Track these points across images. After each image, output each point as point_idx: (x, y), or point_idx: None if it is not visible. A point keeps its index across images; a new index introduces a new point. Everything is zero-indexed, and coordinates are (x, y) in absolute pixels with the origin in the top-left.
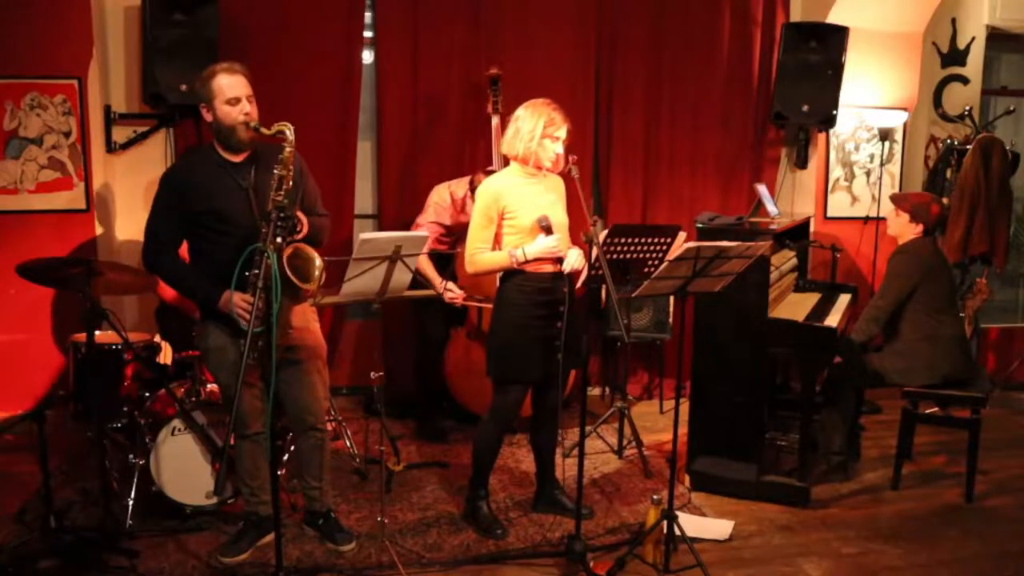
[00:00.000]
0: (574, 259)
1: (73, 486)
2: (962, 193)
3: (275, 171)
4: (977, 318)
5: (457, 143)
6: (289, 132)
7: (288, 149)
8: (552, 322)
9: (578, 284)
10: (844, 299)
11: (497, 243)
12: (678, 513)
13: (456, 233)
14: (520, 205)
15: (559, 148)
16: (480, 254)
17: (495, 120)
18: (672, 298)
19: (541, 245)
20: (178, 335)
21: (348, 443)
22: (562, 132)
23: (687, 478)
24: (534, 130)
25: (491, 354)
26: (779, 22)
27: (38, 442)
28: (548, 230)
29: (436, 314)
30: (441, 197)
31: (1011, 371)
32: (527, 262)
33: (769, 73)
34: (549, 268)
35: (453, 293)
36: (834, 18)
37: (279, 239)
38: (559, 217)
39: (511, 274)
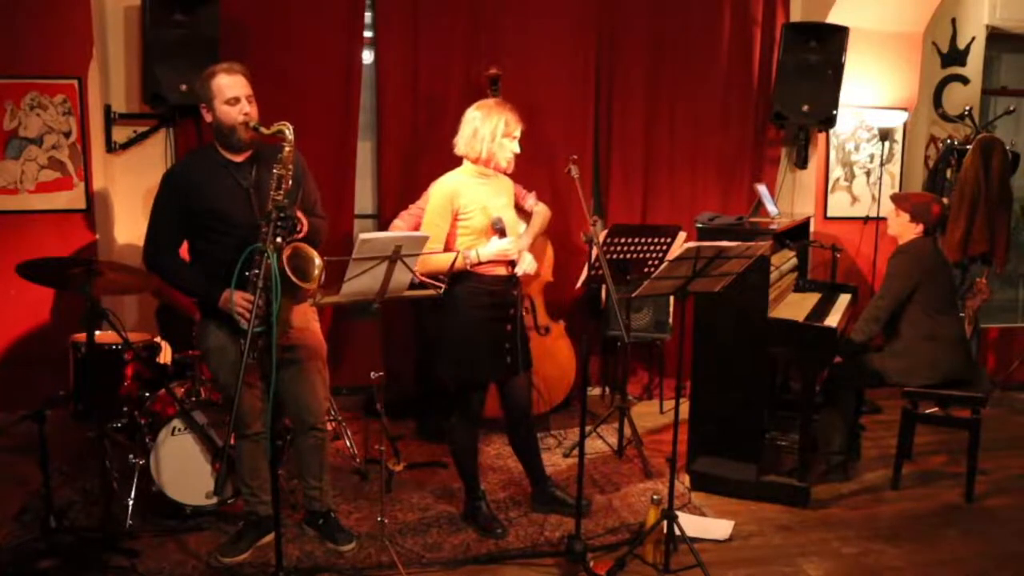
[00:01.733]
0: (527, 263)
1: (73, 486)
2: (962, 193)
3: (274, 170)
4: (977, 318)
5: None
6: (288, 131)
7: (287, 148)
8: (502, 325)
9: (582, 283)
10: (844, 299)
11: (449, 243)
12: (678, 513)
13: None
14: (474, 205)
15: (516, 148)
16: (432, 254)
17: None
18: (672, 298)
19: (495, 247)
20: (178, 335)
21: (348, 443)
22: (519, 132)
23: (687, 478)
24: (495, 130)
25: (441, 356)
26: (779, 22)
27: (38, 442)
28: (502, 232)
29: (436, 314)
30: None
31: (1011, 371)
32: (480, 264)
33: (769, 73)
34: (501, 271)
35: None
36: (834, 18)
37: (278, 239)
38: (511, 219)
39: (461, 276)
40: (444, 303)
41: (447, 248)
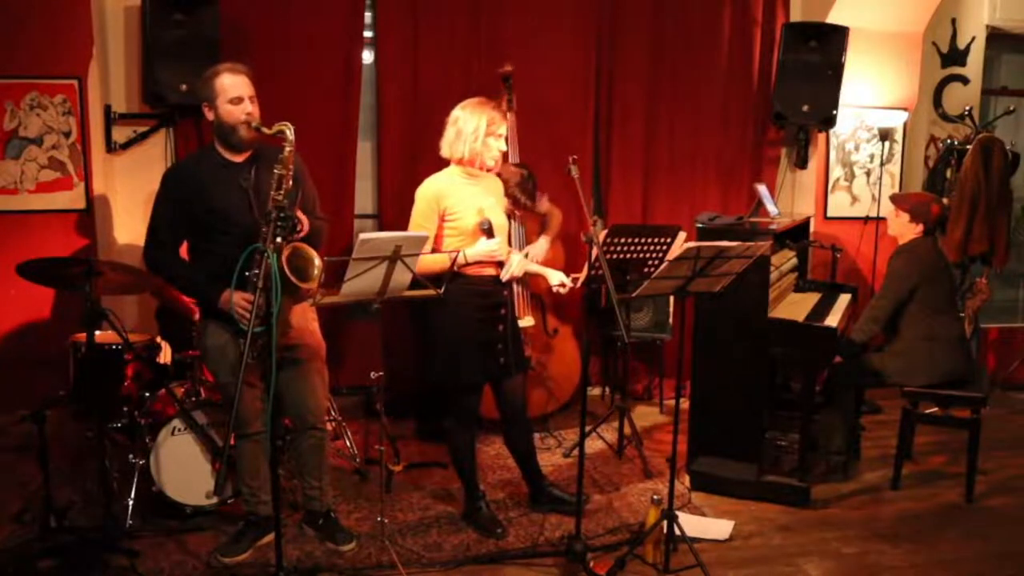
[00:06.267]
0: (514, 266)
1: (73, 486)
2: (962, 193)
3: (275, 170)
4: (977, 318)
5: None
6: (289, 132)
7: (288, 148)
8: (493, 325)
9: (582, 283)
10: (844, 299)
11: (437, 244)
12: (678, 513)
13: None
14: (461, 206)
15: (502, 146)
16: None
17: (510, 118)
18: (672, 298)
19: (483, 248)
20: (178, 335)
21: (348, 443)
22: (503, 129)
23: (687, 478)
24: (477, 130)
25: (433, 358)
26: (779, 22)
27: (38, 442)
28: (489, 233)
29: (427, 315)
30: None
31: (1011, 371)
32: (467, 265)
33: (769, 73)
34: (490, 272)
35: None
36: (834, 18)
37: (278, 239)
38: (499, 220)
39: (451, 276)
40: (434, 304)
41: (436, 250)
